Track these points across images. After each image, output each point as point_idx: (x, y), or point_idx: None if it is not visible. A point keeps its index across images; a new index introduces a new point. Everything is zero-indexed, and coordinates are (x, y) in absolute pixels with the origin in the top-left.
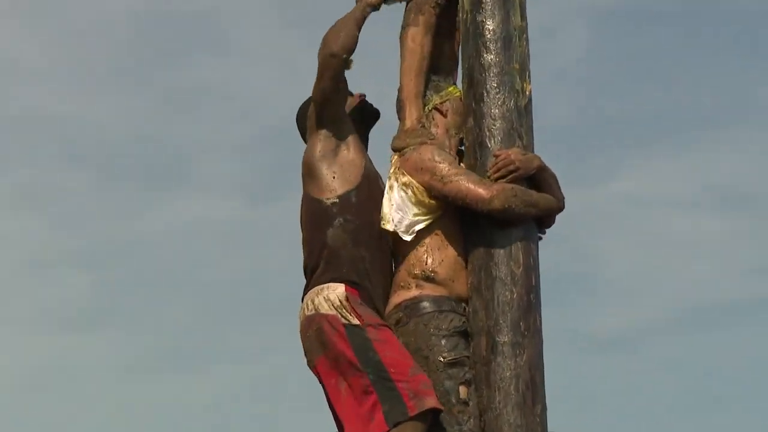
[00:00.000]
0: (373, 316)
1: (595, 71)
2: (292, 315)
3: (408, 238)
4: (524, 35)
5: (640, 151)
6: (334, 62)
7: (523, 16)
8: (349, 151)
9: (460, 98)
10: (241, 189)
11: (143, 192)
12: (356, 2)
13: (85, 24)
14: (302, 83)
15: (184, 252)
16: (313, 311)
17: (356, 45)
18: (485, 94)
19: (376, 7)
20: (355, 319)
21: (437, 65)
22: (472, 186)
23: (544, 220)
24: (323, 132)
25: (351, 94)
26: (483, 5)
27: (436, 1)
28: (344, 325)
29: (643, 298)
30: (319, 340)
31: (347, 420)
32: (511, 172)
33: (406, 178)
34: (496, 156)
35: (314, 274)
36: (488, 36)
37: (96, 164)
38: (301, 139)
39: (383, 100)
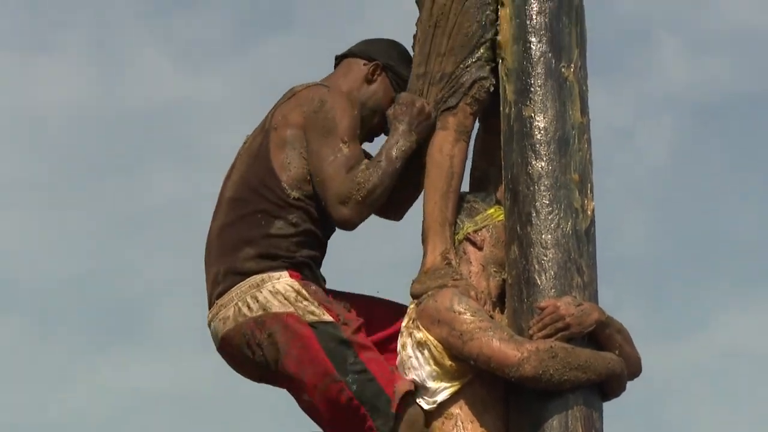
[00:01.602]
0: (345, 309)
1: (682, 184)
2: None
3: (428, 407)
4: (585, 136)
5: (742, 292)
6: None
7: (585, 111)
8: None
9: (504, 223)
10: None
11: (86, 351)
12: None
13: (6, 124)
14: None
15: None
16: (262, 311)
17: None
18: (534, 214)
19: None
20: (326, 314)
21: (482, 178)
22: (498, 345)
23: (608, 386)
24: None
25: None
26: (531, 95)
27: (474, 95)
28: (311, 324)
29: None
30: (281, 344)
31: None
32: (560, 330)
33: (421, 334)
34: (541, 309)
35: (233, 260)
36: (538, 136)
37: (22, 313)
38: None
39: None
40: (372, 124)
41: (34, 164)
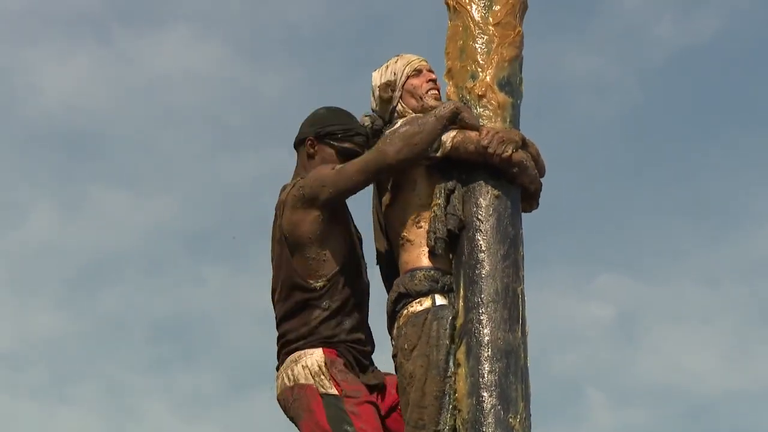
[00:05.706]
0: (355, 384)
1: None
2: None
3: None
4: None
5: None
6: (386, 169)
7: None
8: (338, 227)
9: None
10: None
11: None
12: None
13: None
14: None
15: None
16: (294, 383)
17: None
18: None
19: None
20: (333, 388)
21: None
22: None
23: None
24: (318, 214)
25: None
26: None
27: None
28: (321, 394)
29: None
30: (302, 407)
31: None
32: None
33: None
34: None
35: (290, 343)
36: None
37: None
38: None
39: None
40: None
41: None
